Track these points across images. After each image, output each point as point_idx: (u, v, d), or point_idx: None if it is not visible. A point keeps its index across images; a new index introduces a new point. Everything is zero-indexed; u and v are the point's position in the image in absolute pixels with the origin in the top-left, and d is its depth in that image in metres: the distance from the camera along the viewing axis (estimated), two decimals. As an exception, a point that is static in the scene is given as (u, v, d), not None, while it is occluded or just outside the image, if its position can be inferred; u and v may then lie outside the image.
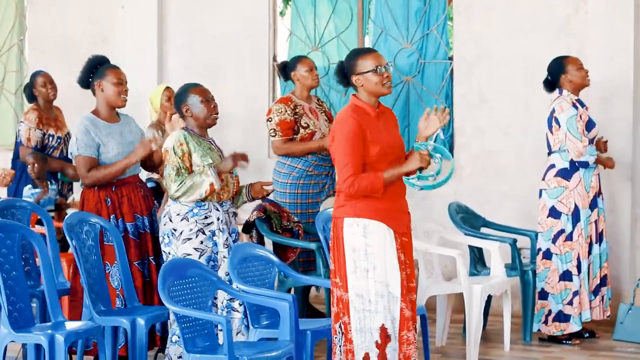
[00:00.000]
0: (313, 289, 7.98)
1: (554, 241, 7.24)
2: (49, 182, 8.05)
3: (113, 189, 6.37)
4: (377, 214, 5.13)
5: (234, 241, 6.02)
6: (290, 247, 6.89)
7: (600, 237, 7.34)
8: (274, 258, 5.99)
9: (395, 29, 8.90)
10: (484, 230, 7.64)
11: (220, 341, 5.43)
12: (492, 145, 8.42)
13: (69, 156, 6.55)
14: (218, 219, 5.96)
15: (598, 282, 7.32)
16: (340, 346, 5.19)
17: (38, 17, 9.90)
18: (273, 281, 5.98)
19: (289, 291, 6.83)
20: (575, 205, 7.20)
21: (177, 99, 6.07)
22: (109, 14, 9.49)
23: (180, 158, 5.89)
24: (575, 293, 7.18)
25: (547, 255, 7.27)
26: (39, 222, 7.12)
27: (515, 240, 7.33)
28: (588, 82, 7.34)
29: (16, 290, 5.48)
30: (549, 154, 7.31)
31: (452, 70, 8.66)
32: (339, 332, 5.19)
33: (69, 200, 8.17)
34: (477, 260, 7.50)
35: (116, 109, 6.48)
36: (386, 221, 5.14)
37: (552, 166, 7.28)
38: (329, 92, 9.10)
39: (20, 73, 10.17)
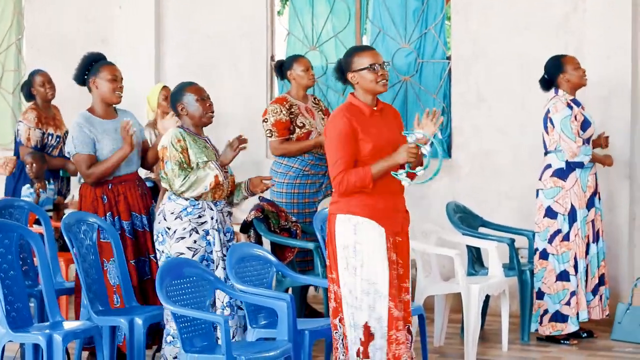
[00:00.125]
0: (311, 289, 7.98)
1: (550, 241, 7.24)
2: (47, 182, 8.05)
3: (110, 187, 6.38)
4: (368, 212, 5.14)
5: (228, 241, 6.02)
6: (288, 246, 6.89)
7: (597, 237, 7.34)
8: (272, 258, 5.99)
9: (393, 29, 8.90)
10: (481, 230, 7.64)
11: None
12: (490, 144, 8.42)
13: (66, 155, 6.55)
14: (212, 218, 5.95)
15: (597, 281, 7.32)
16: (341, 340, 5.21)
17: (36, 17, 9.89)
18: (271, 281, 5.98)
19: (286, 291, 6.83)
20: (572, 205, 7.20)
21: (173, 98, 6.09)
22: (107, 13, 9.48)
23: (180, 153, 5.90)
24: (573, 293, 7.18)
25: (544, 255, 7.27)
26: (37, 222, 7.11)
27: (513, 240, 7.33)
28: (585, 82, 7.34)
29: (14, 289, 5.47)
30: (546, 154, 7.31)
31: (449, 69, 8.65)
32: (339, 327, 5.22)
33: (67, 200, 8.17)
34: (475, 260, 7.50)
35: (114, 106, 6.49)
36: (377, 219, 5.15)
37: (549, 166, 7.28)
38: (326, 92, 9.10)
39: (18, 72, 10.16)
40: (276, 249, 6.87)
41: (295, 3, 9.27)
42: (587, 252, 7.25)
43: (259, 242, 6.85)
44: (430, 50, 8.83)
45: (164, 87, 8.22)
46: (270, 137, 7.42)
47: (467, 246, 7.43)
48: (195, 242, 5.91)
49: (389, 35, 8.91)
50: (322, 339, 5.93)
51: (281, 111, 7.39)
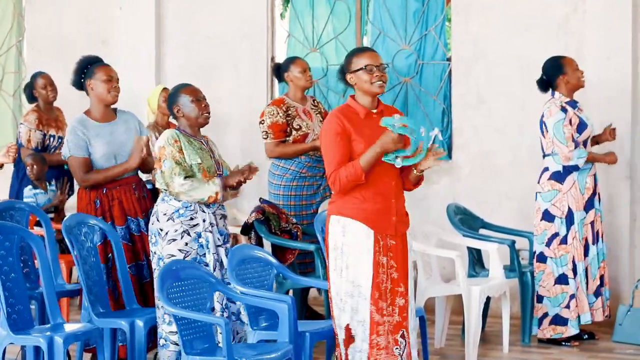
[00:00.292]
0: (312, 291, 7.98)
1: (547, 244, 7.23)
2: (47, 183, 8.05)
3: (104, 191, 6.34)
4: (357, 214, 5.17)
5: (223, 243, 5.99)
6: (288, 248, 6.89)
7: (597, 238, 7.32)
8: (273, 260, 5.99)
9: (394, 30, 8.90)
10: (482, 231, 7.64)
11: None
12: (490, 145, 8.42)
13: (63, 157, 6.52)
14: (204, 220, 5.92)
15: (598, 283, 7.31)
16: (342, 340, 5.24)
17: (36, 18, 9.89)
18: (272, 283, 5.98)
19: (287, 293, 6.83)
20: (569, 208, 7.18)
21: (169, 101, 6.08)
22: (107, 14, 9.49)
23: (178, 152, 5.89)
24: (572, 296, 7.17)
25: (542, 258, 7.26)
26: (38, 224, 7.11)
27: (513, 242, 7.32)
28: (583, 84, 7.33)
29: (15, 292, 5.48)
30: (544, 156, 7.30)
31: (450, 71, 8.65)
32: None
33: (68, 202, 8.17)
34: (476, 261, 7.49)
35: (113, 107, 6.47)
36: (366, 221, 5.17)
37: (546, 169, 7.27)
38: (327, 94, 9.10)
39: (18, 74, 10.16)
40: (277, 250, 6.87)
41: (296, 5, 9.27)
42: (586, 254, 7.25)
43: (259, 244, 6.86)
44: (431, 51, 8.83)
45: (164, 88, 8.23)
46: (265, 139, 7.42)
47: (468, 248, 7.42)
48: (186, 244, 5.87)
49: (389, 37, 8.91)
50: (323, 341, 5.92)
51: (278, 113, 7.39)
